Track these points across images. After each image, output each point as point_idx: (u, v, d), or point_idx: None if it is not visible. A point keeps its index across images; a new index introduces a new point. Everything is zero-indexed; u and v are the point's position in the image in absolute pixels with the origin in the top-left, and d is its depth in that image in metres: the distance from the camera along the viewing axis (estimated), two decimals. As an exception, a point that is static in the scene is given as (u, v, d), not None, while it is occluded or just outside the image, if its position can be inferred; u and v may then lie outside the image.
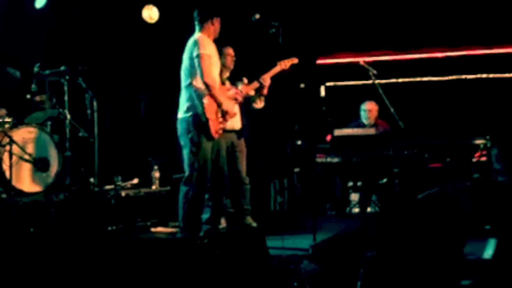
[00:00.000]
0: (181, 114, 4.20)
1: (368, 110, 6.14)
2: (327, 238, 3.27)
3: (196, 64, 4.08)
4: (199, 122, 4.08)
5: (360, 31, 7.13)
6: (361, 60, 5.47)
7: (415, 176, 5.56)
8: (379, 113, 6.10)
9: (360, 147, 5.66)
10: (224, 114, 4.26)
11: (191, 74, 4.12)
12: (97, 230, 4.60)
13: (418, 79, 7.39)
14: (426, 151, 5.58)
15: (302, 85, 6.45)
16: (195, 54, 4.09)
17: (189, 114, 4.12)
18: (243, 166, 5.05)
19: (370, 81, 5.48)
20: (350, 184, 6.18)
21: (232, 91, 4.64)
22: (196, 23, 4.27)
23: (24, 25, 5.64)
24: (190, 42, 4.19)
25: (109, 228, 4.69)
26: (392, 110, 5.33)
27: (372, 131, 5.72)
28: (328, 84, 7.57)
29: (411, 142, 5.55)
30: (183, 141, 4.17)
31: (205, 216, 4.53)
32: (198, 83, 4.10)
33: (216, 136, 4.19)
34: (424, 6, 6.82)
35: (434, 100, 7.07)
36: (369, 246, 2.61)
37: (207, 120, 4.07)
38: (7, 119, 4.72)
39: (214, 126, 4.16)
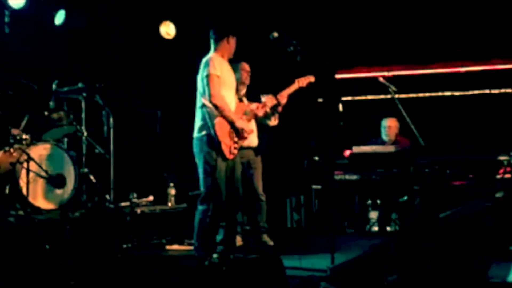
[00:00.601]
0: (195, 133, 4.27)
1: (388, 127, 6.14)
2: (346, 261, 3.26)
3: (205, 84, 4.15)
4: (212, 142, 4.14)
5: (380, 45, 7.15)
6: (380, 76, 5.46)
7: (437, 194, 5.52)
8: (399, 129, 6.09)
9: (379, 164, 5.65)
10: (240, 133, 4.29)
11: (203, 94, 4.19)
12: (113, 247, 4.65)
13: (440, 93, 7.37)
14: (448, 168, 5.54)
15: (320, 100, 6.48)
16: (204, 74, 4.17)
17: (203, 133, 4.18)
18: (259, 183, 5.08)
19: (389, 96, 5.48)
20: (369, 202, 6.16)
21: (254, 105, 4.67)
22: (211, 41, 4.36)
23: (43, 42, 5.78)
24: (202, 62, 4.27)
25: (124, 246, 4.73)
26: (412, 127, 5.32)
27: (391, 148, 5.70)
28: (346, 98, 7.62)
29: (433, 159, 5.52)
30: (198, 160, 4.24)
31: (220, 236, 4.56)
32: (208, 103, 4.17)
33: (230, 156, 4.24)
34: (446, 19, 6.82)
35: (456, 115, 7.04)
36: (390, 269, 2.60)
37: (219, 142, 4.12)
38: (24, 136, 4.83)
39: (228, 147, 4.20)
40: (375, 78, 6.62)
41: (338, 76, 7.68)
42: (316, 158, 6.55)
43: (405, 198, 5.79)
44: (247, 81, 4.99)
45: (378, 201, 6.07)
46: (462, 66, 7.25)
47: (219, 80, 4.17)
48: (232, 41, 4.33)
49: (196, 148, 4.23)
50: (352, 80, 7.67)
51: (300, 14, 6.78)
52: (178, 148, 5.94)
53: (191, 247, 4.65)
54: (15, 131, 4.92)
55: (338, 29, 7.06)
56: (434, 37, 6.97)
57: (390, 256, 2.67)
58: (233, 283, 2.51)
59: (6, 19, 4.76)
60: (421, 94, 7.45)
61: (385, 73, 7.35)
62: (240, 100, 4.65)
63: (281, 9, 6.69)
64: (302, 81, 4.87)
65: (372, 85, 6.76)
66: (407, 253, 2.72)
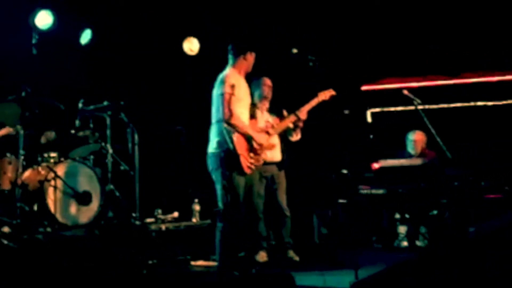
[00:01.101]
0: (211, 149, 4.29)
1: (415, 140, 6.13)
2: (368, 276, 3.28)
3: (220, 102, 4.21)
4: (230, 157, 4.17)
5: (407, 56, 7.16)
6: (404, 90, 5.48)
7: (467, 207, 5.47)
8: (427, 142, 6.07)
9: (406, 178, 5.64)
10: (257, 149, 4.33)
11: (219, 110, 4.25)
12: (138, 263, 4.76)
13: (471, 103, 7.31)
14: (482, 180, 5.49)
15: (346, 112, 6.50)
16: (219, 92, 4.23)
17: (219, 150, 4.20)
18: (283, 198, 5.13)
19: (414, 108, 5.49)
20: (398, 216, 6.13)
21: (262, 124, 4.74)
22: (229, 56, 4.42)
23: (69, 62, 6.01)
24: (218, 78, 4.34)
25: (150, 262, 4.83)
26: (439, 140, 5.31)
27: (418, 161, 5.68)
28: (374, 110, 7.62)
29: (463, 171, 5.48)
30: (215, 176, 4.27)
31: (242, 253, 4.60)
32: (224, 122, 4.21)
33: (248, 171, 4.25)
34: (474, 29, 6.80)
35: (488, 125, 6.96)
36: (411, 285, 2.62)
37: (238, 155, 4.17)
38: (52, 154, 5.02)
39: (246, 162, 4.22)
40: (402, 89, 6.67)
41: (364, 87, 7.70)
42: (345, 171, 6.56)
43: (435, 212, 5.74)
44: (269, 96, 5.07)
45: (407, 215, 6.04)
46: (493, 75, 7.20)
47: (234, 98, 4.21)
48: (250, 57, 4.38)
49: (212, 165, 4.25)
50: (379, 92, 7.68)
51: (325, 28, 6.86)
52: (202, 164, 6.05)
53: (216, 263, 4.73)
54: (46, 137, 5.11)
55: (364, 41, 7.11)
56: (463, 46, 6.94)
57: (411, 273, 2.68)
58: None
59: (34, 41, 4.97)
60: (451, 105, 7.41)
61: (412, 84, 7.35)
62: (252, 117, 4.71)
63: (305, 22, 6.79)
64: (325, 94, 4.93)
65: (400, 96, 6.77)
66: (430, 269, 2.73)
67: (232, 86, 4.21)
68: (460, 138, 6.67)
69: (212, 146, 4.28)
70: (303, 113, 4.84)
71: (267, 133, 4.69)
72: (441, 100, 7.27)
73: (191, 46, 6.80)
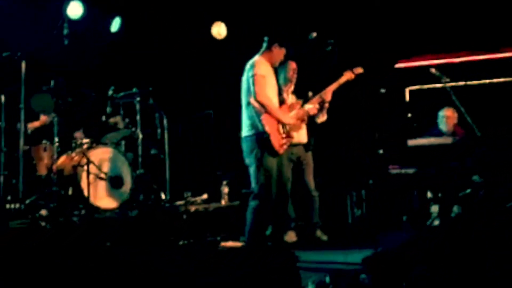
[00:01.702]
0: (244, 133, 4.51)
1: (447, 117, 6.12)
2: (378, 251, 3.41)
3: (251, 83, 4.41)
4: (262, 139, 4.36)
5: (443, 31, 7.08)
6: (432, 68, 5.48)
7: (502, 185, 5.46)
8: (458, 119, 6.06)
9: (436, 157, 5.66)
10: (288, 130, 4.52)
11: (249, 94, 4.45)
12: (169, 244, 5.01)
13: (508, 79, 7.19)
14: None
15: (382, 90, 6.51)
16: (250, 74, 4.43)
17: (252, 132, 4.41)
18: (310, 179, 5.28)
19: (443, 85, 5.49)
20: (430, 195, 6.16)
21: (294, 112, 4.84)
22: (264, 41, 4.60)
23: (100, 50, 6.27)
24: (248, 64, 4.54)
25: (180, 243, 5.08)
26: (468, 118, 5.30)
27: (448, 140, 5.69)
28: (412, 88, 7.58)
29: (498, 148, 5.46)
30: (249, 159, 4.46)
31: (268, 232, 4.79)
32: (254, 102, 4.41)
33: (280, 151, 4.43)
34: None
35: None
36: (419, 260, 2.74)
37: (268, 135, 4.34)
38: (85, 140, 5.32)
39: (277, 141, 4.40)
40: (439, 65, 6.61)
41: (399, 65, 7.66)
42: (381, 151, 6.60)
43: (468, 191, 5.75)
44: (294, 79, 5.20)
45: (439, 195, 6.06)
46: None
47: (265, 80, 4.41)
48: (280, 51, 4.56)
49: (246, 147, 4.45)
50: (418, 69, 7.62)
51: (357, 6, 6.86)
52: (231, 146, 6.25)
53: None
54: (77, 135, 5.45)
55: (397, 18, 7.07)
56: (501, 21, 6.82)
57: (420, 248, 2.79)
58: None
59: (65, 31, 5.25)
60: (487, 81, 7.30)
61: (448, 60, 7.28)
62: (282, 103, 4.84)
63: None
64: (350, 74, 4.99)
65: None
66: (439, 245, 2.83)
67: (262, 69, 4.40)
68: (500, 115, 6.60)
69: (245, 130, 4.48)
70: (327, 94, 4.92)
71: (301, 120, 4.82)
72: (480, 76, 7.18)
73: (220, 30, 6.95)
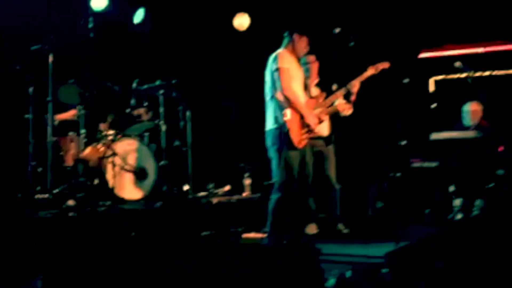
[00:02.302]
0: (268, 126, 4.59)
1: (472, 111, 6.13)
2: (403, 246, 3.50)
3: (276, 77, 4.47)
4: (283, 133, 4.45)
5: (469, 21, 7.05)
6: (457, 62, 5.48)
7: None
8: (484, 113, 6.07)
9: (459, 150, 5.70)
10: (309, 125, 4.59)
11: (274, 88, 4.51)
12: (192, 235, 5.17)
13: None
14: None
15: (405, 81, 6.53)
16: (274, 68, 4.48)
17: (275, 126, 4.49)
18: (332, 172, 5.37)
19: (477, 74, 5.47)
20: (452, 189, 6.20)
21: (320, 109, 4.88)
22: (284, 37, 4.65)
23: (124, 42, 6.42)
24: (271, 57, 4.58)
25: (203, 234, 5.24)
26: (490, 111, 5.33)
27: (471, 133, 5.72)
28: (437, 78, 7.56)
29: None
30: (271, 152, 4.56)
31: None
32: (279, 96, 4.48)
33: (300, 145, 4.50)
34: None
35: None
36: (439, 256, 2.82)
37: (288, 130, 4.43)
38: (109, 132, 5.50)
39: (297, 137, 4.48)
40: (464, 55, 6.60)
41: (422, 55, 7.63)
42: (403, 143, 6.64)
43: (492, 184, 5.78)
44: (315, 72, 5.28)
45: (462, 188, 6.09)
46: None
47: (289, 73, 4.46)
48: (303, 40, 4.59)
49: (269, 141, 4.54)
50: (443, 59, 7.58)
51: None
52: (253, 138, 6.36)
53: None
54: (102, 126, 5.63)
55: (421, 7, 7.06)
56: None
57: (440, 244, 2.88)
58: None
59: (90, 25, 5.40)
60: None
61: (474, 50, 7.25)
62: (310, 97, 4.93)
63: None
64: (376, 68, 5.04)
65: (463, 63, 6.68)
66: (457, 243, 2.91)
67: (286, 62, 4.45)
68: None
69: (269, 123, 4.56)
70: (355, 85, 4.93)
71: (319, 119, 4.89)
72: (505, 66, 7.14)
73: (242, 21, 7.03)
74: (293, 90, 4.49)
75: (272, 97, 4.53)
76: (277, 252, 3.00)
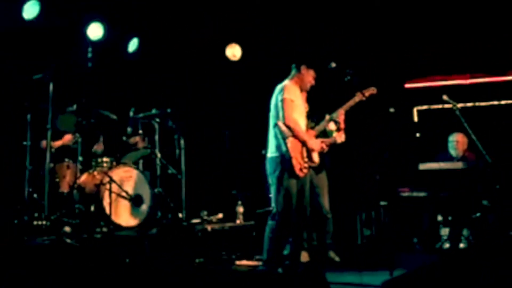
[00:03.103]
0: (270, 153, 4.75)
1: (456, 141, 6.34)
2: (399, 275, 3.68)
3: (280, 107, 4.67)
4: (284, 160, 4.62)
5: (452, 53, 7.31)
6: (444, 95, 5.70)
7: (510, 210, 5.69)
8: (468, 144, 6.29)
9: (447, 181, 5.90)
10: (310, 153, 4.76)
11: (277, 116, 4.71)
12: (186, 261, 5.28)
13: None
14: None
15: (391, 110, 6.74)
16: (280, 98, 4.69)
17: (277, 154, 4.66)
18: (325, 200, 5.52)
19: (454, 110, 5.70)
20: (440, 218, 6.39)
21: (320, 139, 5.04)
22: (292, 69, 4.87)
23: (120, 72, 6.59)
24: (277, 88, 4.79)
25: (197, 260, 5.35)
26: (478, 144, 5.53)
27: (459, 165, 5.92)
28: (420, 108, 7.80)
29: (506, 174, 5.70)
30: (271, 179, 4.71)
31: (286, 251, 5.05)
32: (281, 125, 4.67)
33: (301, 174, 4.66)
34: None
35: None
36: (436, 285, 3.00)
37: (290, 158, 4.60)
38: (105, 159, 5.63)
39: (298, 165, 4.64)
40: (447, 86, 6.84)
41: (408, 85, 7.88)
42: (389, 173, 6.82)
43: (478, 214, 5.99)
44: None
45: (449, 218, 6.28)
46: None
47: (293, 104, 4.66)
48: (310, 73, 4.82)
49: (270, 168, 4.69)
50: (426, 90, 7.81)
51: (367, 27, 7.11)
52: (246, 166, 6.54)
53: (260, 263, 5.18)
54: (97, 147, 5.75)
55: (406, 39, 7.31)
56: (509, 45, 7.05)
57: (437, 274, 3.06)
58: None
59: (89, 55, 5.58)
60: (500, 102, 7.50)
61: (457, 81, 7.52)
62: (312, 128, 5.13)
63: (346, 22, 7.07)
64: (362, 95, 5.22)
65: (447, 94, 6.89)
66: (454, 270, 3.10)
67: (291, 94, 4.66)
68: (506, 138, 6.83)
69: (271, 150, 4.72)
70: (339, 115, 5.10)
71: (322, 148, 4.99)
72: (488, 98, 7.41)
73: (234, 51, 7.26)
74: (295, 120, 4.67)
75: (275, 125, 4.70)
76: (289, 281, 3.16)
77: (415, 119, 7.74)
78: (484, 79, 7.53)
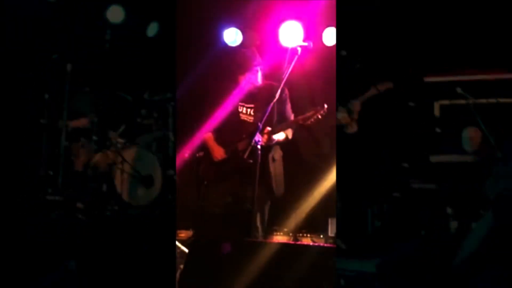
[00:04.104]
0: None
1: (470, 137, 6.39)
2: (392, 258, 3.78)
3: None
4: None
5: (479, 46, 7.23)
6: (458, 88, 5.71)
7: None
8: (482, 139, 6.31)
9: (457, 174, 5.96)
10: None
11: None
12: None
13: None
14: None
15: (411, 104, 6.76)
16: None
17: None
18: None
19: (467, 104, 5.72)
20: (449, 211, 6.44)
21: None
22: None
23: (137, 54, 6.74)
24: None
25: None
26: (490, 138, 5.55)
27: (470, 158, 5.97)
28: (443, 103, 7.72)
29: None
30: None
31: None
32: None
33: None
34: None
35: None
36: (428, 269, 3.10)
37: None
38: (119, 140, 5.83)
39: None
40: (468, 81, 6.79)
41: (428, 79, 7.83)
42: (405, 165, 6.87)
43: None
44: None
45: (459, 211, 6.32)
46: None
47: None
48: None
49: None
50: (449, 83, 7.74)
51: (386, 18, 7.08)
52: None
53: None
54: (113, 134, 5.96)
55: (427, 31, 7.26)
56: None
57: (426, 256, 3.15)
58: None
59: (108, 37, 5.76)
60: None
61: (482, 76, 7.44)
62: None
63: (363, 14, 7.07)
64: (379, 87, 5.30)
65: (466, 89, 6.84)
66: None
67: None
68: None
69: None
70: (355, 105, 5.22)
71: None
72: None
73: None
74: None
75: None
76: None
77: (437, 113, 7.68)
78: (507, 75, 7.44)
